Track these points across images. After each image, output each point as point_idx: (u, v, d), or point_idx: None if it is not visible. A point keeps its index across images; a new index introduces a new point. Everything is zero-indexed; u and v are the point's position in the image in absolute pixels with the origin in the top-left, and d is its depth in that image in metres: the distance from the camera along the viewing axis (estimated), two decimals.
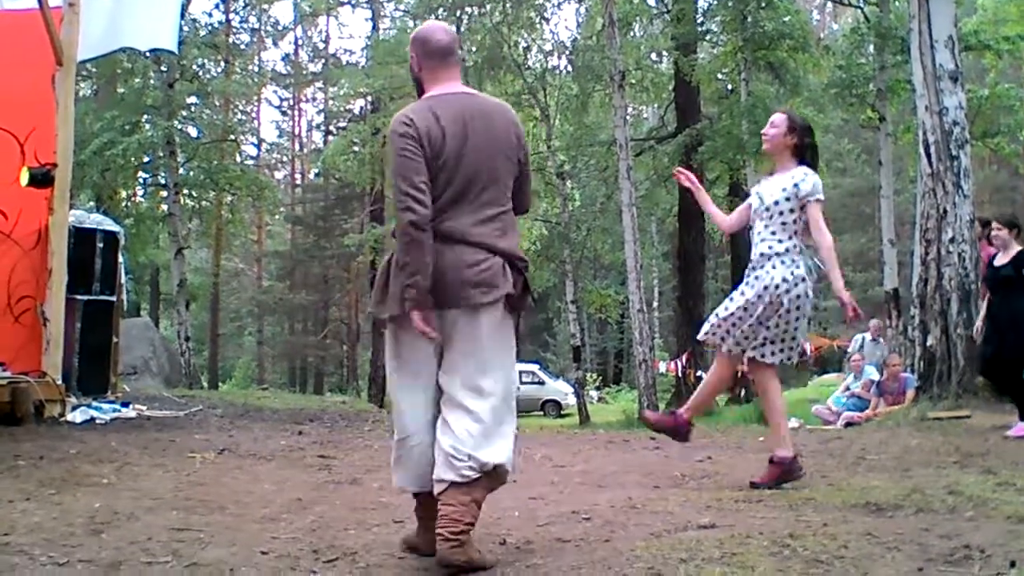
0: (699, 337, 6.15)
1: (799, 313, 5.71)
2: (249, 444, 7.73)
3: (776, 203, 5.76)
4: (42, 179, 9.45)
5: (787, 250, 5.71)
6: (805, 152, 5.88)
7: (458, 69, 4.10)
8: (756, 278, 5.75)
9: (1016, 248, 8.37)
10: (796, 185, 5.73)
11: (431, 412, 3.84)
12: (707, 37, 27.07)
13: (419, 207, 3.67)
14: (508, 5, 26.82)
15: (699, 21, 26.09)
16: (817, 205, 5.72)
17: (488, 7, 27.27)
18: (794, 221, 5.74)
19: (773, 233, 5.76)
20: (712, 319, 5.93)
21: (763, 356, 5.75)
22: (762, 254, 5.78)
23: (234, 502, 4.96)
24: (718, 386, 6.23)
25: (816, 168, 5.92)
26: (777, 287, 5.64)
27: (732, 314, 5.79)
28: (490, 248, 3.79)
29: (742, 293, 5.81)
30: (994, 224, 8.99)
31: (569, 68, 28.16)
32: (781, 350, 5.75)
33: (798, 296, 5.68)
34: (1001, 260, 8.47)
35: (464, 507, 3.62)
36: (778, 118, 5.99)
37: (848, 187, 47.62)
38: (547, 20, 28.24)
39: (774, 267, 5.69)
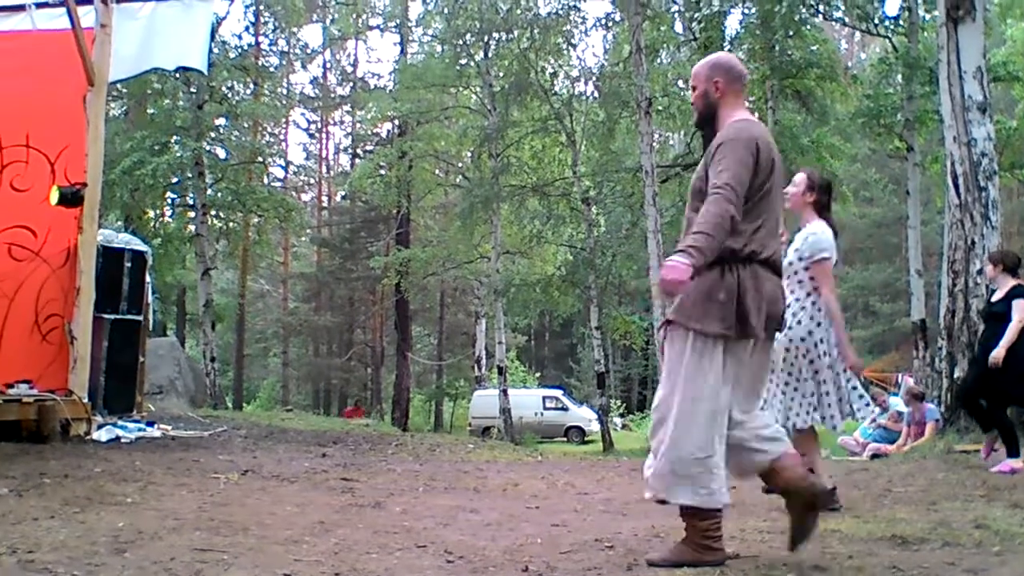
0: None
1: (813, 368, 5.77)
2: (273, 466, 7.74)
3: (790, 263, 5.85)
4: (72, 198, 9.54)
5: (803, 308, 5.82)
6: (825, 209, 5.99)
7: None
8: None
9: (1010, 283, 8.31)
10: (807, 242, 5.86)
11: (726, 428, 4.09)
12: None
13: (736, 208, 3.91)
14: (535, 31, 26.91)
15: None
16: (821, 264, 5.79)
17: (516, 33, 27.38)
18: (810, 279, 5.84)
19: (792, 292, 5.82)
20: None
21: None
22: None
23: (257, 523, 4.96)
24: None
25: (832, 224, 6.02)
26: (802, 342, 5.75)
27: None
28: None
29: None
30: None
31: (596, 94, 28.19)
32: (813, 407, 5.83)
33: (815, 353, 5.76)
34: (998, 295, 8.46)
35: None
36: (799, 177, 6.11)
37: (875, 217, 47.42)
38: (574, 46, 28.27)
39: (798, 324, 5.79)
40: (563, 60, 28.48)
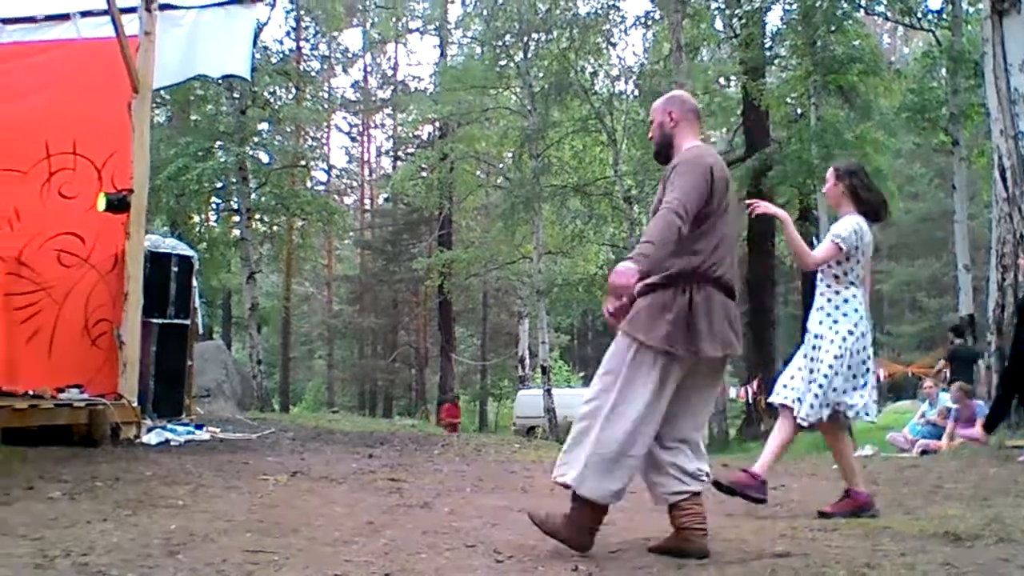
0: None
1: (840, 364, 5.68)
2: (321, 467, 7.78)
3: None
4: (119, 204, 9.64)
5: (840, 303, 5.76)
6: (860, 192, 5.91)
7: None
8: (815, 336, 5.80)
9: None
10: (831, 231, 5.84)
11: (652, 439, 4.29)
12: (776, 61, 26.89)
13: (684, 223, 4.13)
14: (575, 31, 26.89)
15: (767, 45, 25.93)
16: (831, 246, 5.73)
17: (555, 33, 27.37)
18: (844, 273, 5.76)
19: (829, 286, 5.81)
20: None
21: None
22: (819, 307, 5.85)
23: (306, 525, 4.98)
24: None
25: (876, 201, 5.95)
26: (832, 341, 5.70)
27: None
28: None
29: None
30: None
31: (636, 93, 28.10)
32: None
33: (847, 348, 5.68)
34: None
35: (702, 507, 4.33)
36: (828, 173, 6.12)
37: (921, 212, 46.90)
38: (614, 45, 28.23)
39: (831, 322, 5.74)
40: (603, 59, 28.44)
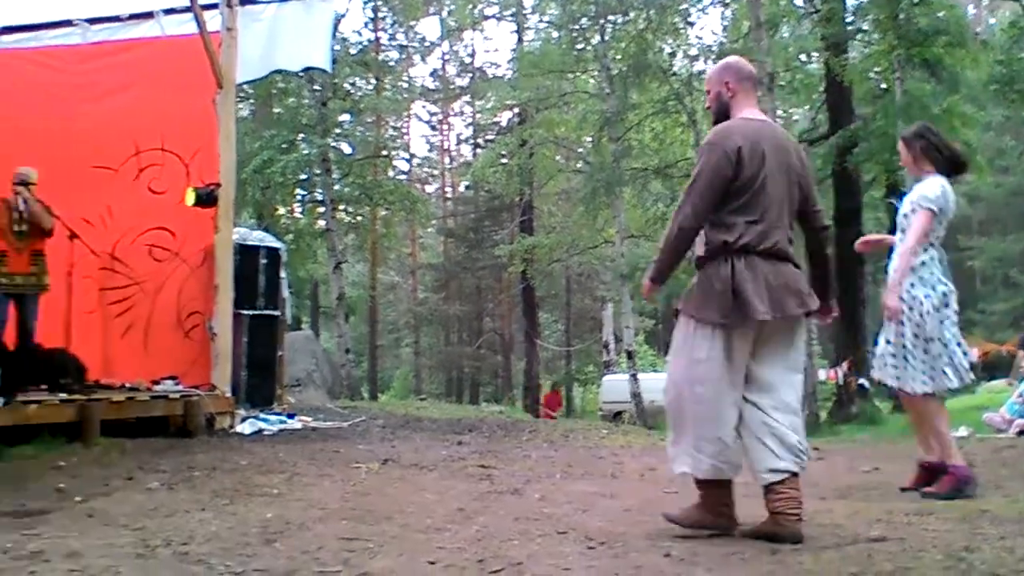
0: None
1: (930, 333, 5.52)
2: (411, 454, 7.83)
3: (904, 216, 5.69)
4: (207, 199, 9.82)
5: (922, 263, 5.59)
6: (932, 151, 5.74)
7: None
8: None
9: None
10: (911, 197, 5.68)
11: (738, 411, 4.30)
12: (858, 36, 26.34)
13: (692, 220, 4.30)
14: (652, 12, 26.62)
15: (849, 20, 25.39)
16: (924, 212, 5.56)
17: (632, 15, 27.13)
18: (925, 235, 5.59)
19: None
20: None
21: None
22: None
23: (399, 512, 5.02)
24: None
25: (952, 155, 5.78)
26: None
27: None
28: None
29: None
30: None
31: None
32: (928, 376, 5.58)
33: (928, 313, 5.51)
34: None
35: (799, 491, 4.25)
36: (899, 146, 6.01)
37: (1011, 186, 45.56)
38: (691, 25, 27.90)
39: (912, 285, 5.58)
40: (681, 39, 28.13)
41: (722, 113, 4.54)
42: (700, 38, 29.41)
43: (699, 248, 4.39)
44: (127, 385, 9.43)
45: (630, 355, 27.02)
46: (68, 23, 10.63)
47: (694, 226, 4.32)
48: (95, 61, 10.59)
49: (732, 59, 4.80)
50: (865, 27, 25.88)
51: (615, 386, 28.27)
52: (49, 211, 8.85)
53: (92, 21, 10.64)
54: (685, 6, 27.16)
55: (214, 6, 10.04)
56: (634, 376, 26.34)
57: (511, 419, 13.72)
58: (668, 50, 28.06)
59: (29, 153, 9.47)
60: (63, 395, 8.27)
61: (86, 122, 10.44)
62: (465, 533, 4.51)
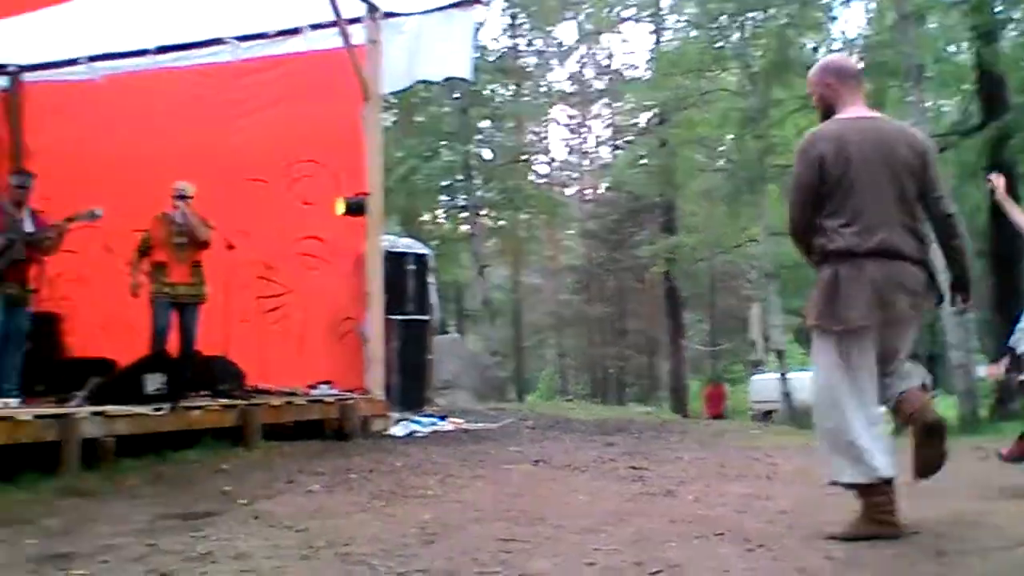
0: None
1: None
2: (561, 456, 7.85)
3: None
4: (356, 208, 10.05)
5: None
6: None
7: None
8: None
9: None
10: None
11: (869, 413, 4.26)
12: (1010, 25, 25.29)
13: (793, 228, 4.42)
14: (793, 7, 26.09)
15: (998, 10, 24.41)
16: None
17: (772, 10, 26.65)
18: None
19: None
20: None
21: None
22: None
23: (553, 513, 5.03)
24: None
25: None
26: None
27: None
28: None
29: None
30: None
31: (860, 66, 27.02)
32: None
33: None
34: None
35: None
36: None
37: None
38: (834, 19, 27.23)
39: None
40: (823, 34, 27.49)
41: (827, 113, 4.47)
42: (843, 32, 28.60)
43: (815, 255, 4.39)
44: (284, 390, 9.72)
45: (779, 354, 26.56)
46: (220, 41, 10.99)
47: (795, 233, 4.44)
48: (246, 77, 10.93)
49: (833, 58, 4.82)
50: (1016, 16, 24.87)
51: (764, 385, 27.85)
52: (206, 223, 9.19)
53: (242, 39, 10.97)
54: (826, 0, 26.56)
55: (358, 20, 10.25)
56: (783, 375, 25.88)
57: (660, 420, 13.62)
58: (811, 45, 27.47)
59: (187, 167, 9.85)
60: (224, 400, 8.56)
61: (240, 137, 10.80)
62: (621, 535, 4.49)
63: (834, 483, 4.34)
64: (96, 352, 10.20)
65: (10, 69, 11.80)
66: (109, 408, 7.28)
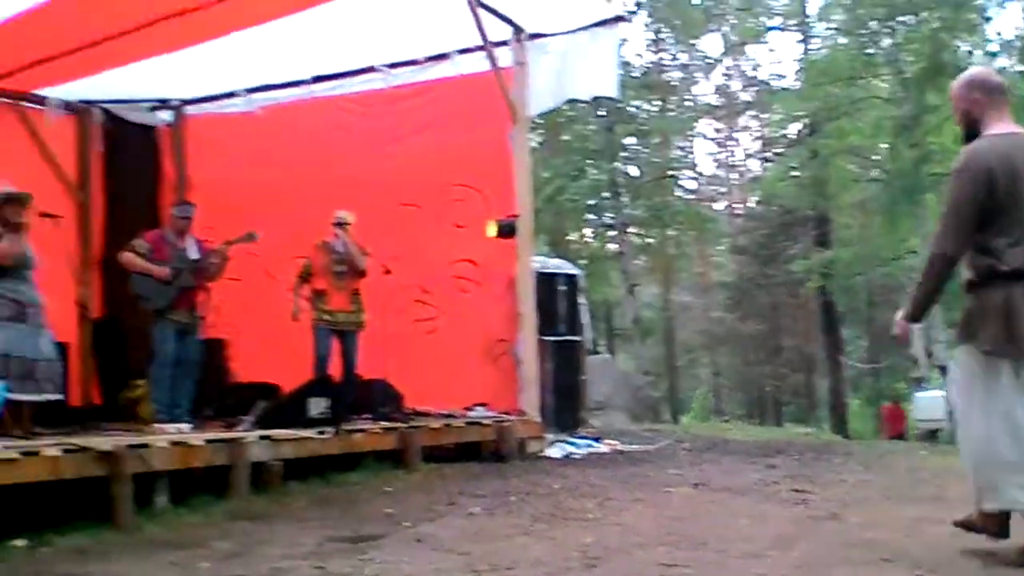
0: None
1: None
2: (721, 478, 7.72)
3: None
4: (507, 230, 10.12)
5: None
6: None
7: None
8: None
9: None
10: None
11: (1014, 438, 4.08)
12: None
13: (949, 249, 4.16)
14: (946, 10, 25.27)
15: None
16: None
17: (924, 14, 25.87)
18: None
19: None
20: None
21: None
22: None
23: (715, 537, 4.96)
24: None
25: None
26: None
27: None
28: None
29: None
30: None
31: (1020, 68, 25.93)
32: None
33: None
34: None
35: None
36: None
37: None
38: (989, 20, 26.24)
39: None
40: (978, 36, 26.54)
41: (972, 130, 4.30)
42: (1000, 34, 27.51)
43: (967, 273, 4.21)
44: (442, 412, 9.85)
45: (942, 370, 25.66)
46: (372, 69, 11.23)
47: (952, 256, 4.17)
48: (398, 104, 11.14)
49: (977, 72, 4.59)
50: None
51: (929, 403, 26.89)
52: (364, 251, 9.39)
53: (393, 66, 11.18)
54: (981, 1, 25.66)
55: (505, 43, 10.35)
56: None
57: (820, 441, 13.28)
58: (965, 48, 26.55)
59: (344, 195, 10.10)
60: (385, 423, 8.71)
61: (392, 163, 11.01)
62: (785, 560, 4.40)
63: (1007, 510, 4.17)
64: (261, 377, 10.53)
65: (173, 104, 12.30)
66: (276, 432, 7.50)
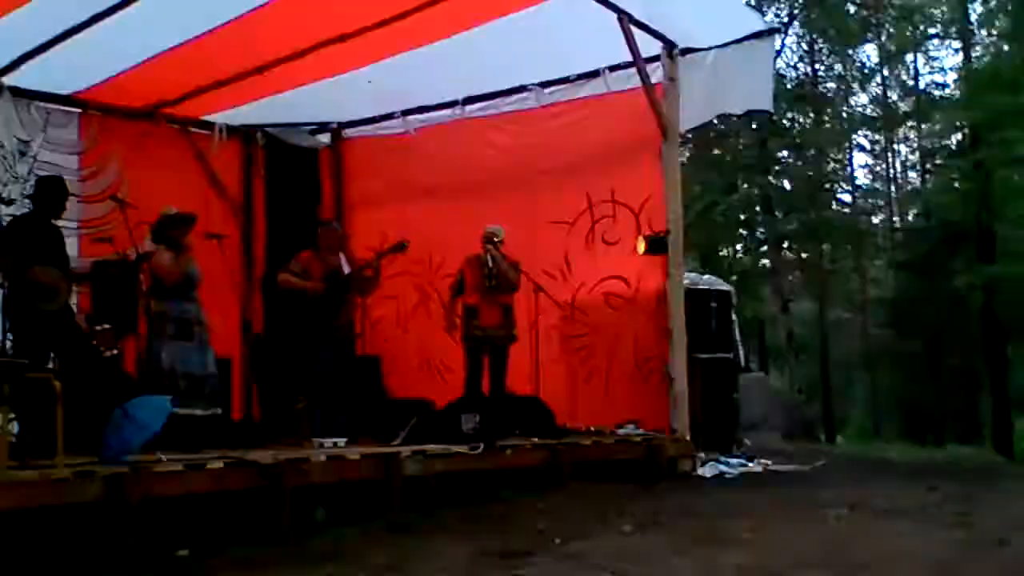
0: None
1: None
2: (880, 500, 7.49)
3: None
4: (658, 246, 10.07)
5: None
6: None
7: None
8: None
9: None
10: None
11: None
12: None
13: None
14: None
15: None
16: None
17: None
18: None
19: None
20: None
21: None
22: None
23: (878, 561, 4.84)
24: None
25: None
26: None
27: None
28: None
29: None
30: None
31: None
32: None
33: None
34: None
35: None
36: None
37: None
38: None
39: None
40: None
41: None
42: None
43: None
44: (592, 429, 9.84)
45: None
46: (523, 88, 11.33)
47: None
48: (549, 122, 11.19)
49: None
50: None
51: None
52: (516, 266, 9.47)
53: (544, 85, 11.26)
54: None
55: (656, 58, 10.30)
56: None
57: (984, 462, 12.77)
58: None
59: (495, 213, 10.23)
60: (535, 440, 8.74)
61: (543, 180, 11.07)
62: None
63: None
64: (414, 393, 10.72)
65: (332, 126, 12.65)
66: (429, 447, 7.62)
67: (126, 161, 10.67)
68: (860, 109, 38.49)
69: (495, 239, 9.41)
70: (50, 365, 6.54)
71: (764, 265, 29.16)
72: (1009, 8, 26.17)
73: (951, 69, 37.89)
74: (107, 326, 8.70)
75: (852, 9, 30.08)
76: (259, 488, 6.07)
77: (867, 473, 10.23)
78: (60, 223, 7.64)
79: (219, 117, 11.58)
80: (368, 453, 7.26)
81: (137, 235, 7.90)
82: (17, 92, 9.92)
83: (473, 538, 5.76)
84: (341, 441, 8.22)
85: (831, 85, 33.19)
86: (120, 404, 6.14)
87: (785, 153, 28.99)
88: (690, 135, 25.79)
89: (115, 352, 8.64)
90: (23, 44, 8.97)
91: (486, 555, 5.18)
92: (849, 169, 41.00)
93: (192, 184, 11.24)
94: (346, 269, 8.99)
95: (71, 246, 8.19)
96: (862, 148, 44.71)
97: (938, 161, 37.90)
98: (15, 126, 9.97)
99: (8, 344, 6.92)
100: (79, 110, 10.54)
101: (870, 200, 44.75)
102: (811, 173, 29.90)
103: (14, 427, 5.85)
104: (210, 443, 7.16)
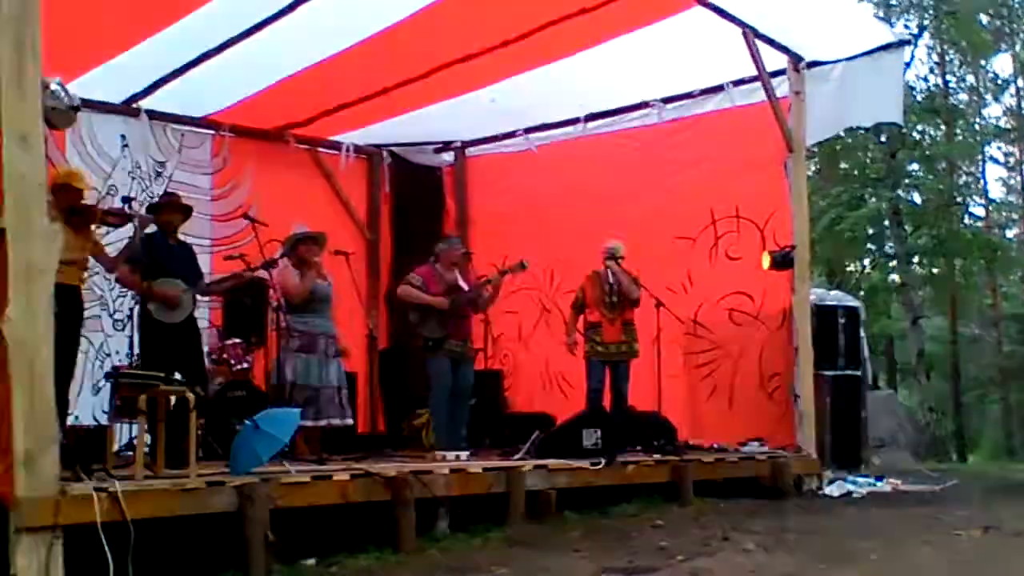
0: None
1: None
2: (1014, 521, 7.24)
3: None
4: (783, 261, 9.96)
5: None
6: None
7: None
8: None
9: None
10: None
11: None
12: None
13: None
14: None
15: None
16: None
17: None
18: None
19: None
20: None
21: None
22: None
23: None
24: None
25: None
26: None
27: None
28: None
29: None
30: None
31: None
32: None
33: None
34: None
35: None
36: None
37: None
38: None
39: None
40: None
41: None
42: None
43: None
44: (715, 446, 9.76)
45: None
46: (645, 104, 11.32)
47: None
48: (672, 138, 11.16)
49: None
50: None
51: None
52: (636, 282, 9.47)
53: (667, 100, 11.23)
54: None
55: (781, 72, 10.20)
56: None
57: None
58: None
59: (617, 227, 10.29)
60: (658, 456, 8.71)
61: (666, 196, 11.05)
62: None
63: None
64: (536, 408, 10.79)
65: (455, 145, 12.84)
66: (551, 461, 7.66)
67: (256, 181, 11.00)
68: (993, 121, 37.39)
69: (616, 255, 9.43)
70: (177, 376, 6.73)
71: (893, 280, 28.44)
72: None
73: None
74: (237, 340, 9.01)
75: (985, 19, 29.16)
76: (384, 500, 6.17)
77: (1000, 494, 9.90)
78: (192, 241, 7.93)
79: (346, 137, 11.87)
80: (490, 467, 7.33)
81: (268, 252, 8.15)
82: (153, 115, 10.34)
83: (595, 554, 5.78)
84: (463, 454, 8.31)
85: (963, 96, 32.30)
86: (250, 416, 6.31)
87: (915, 166, 28.27)
88: (816, 148, 25.41)
89: (245, 366, 8.94)
90: (159, 69, 9.35)
91: (608, 571, 5.19)
92: (982, 182, 39.82)
93: (320, 202, 11.55)
94: (464, 285, 9.07)
95: (203, 263, 8.44)
96: (996, 160, 43.42)
97: None
98: (151, 148, 10.39)
99: (137, 356, 7.19)
100: (211, 131, 10.90)
101: (1004, 213, 43.37)
102: (942, 186, 29.12)
103: (147, 438, 6.03)
104: (335, 454, 7.35)
